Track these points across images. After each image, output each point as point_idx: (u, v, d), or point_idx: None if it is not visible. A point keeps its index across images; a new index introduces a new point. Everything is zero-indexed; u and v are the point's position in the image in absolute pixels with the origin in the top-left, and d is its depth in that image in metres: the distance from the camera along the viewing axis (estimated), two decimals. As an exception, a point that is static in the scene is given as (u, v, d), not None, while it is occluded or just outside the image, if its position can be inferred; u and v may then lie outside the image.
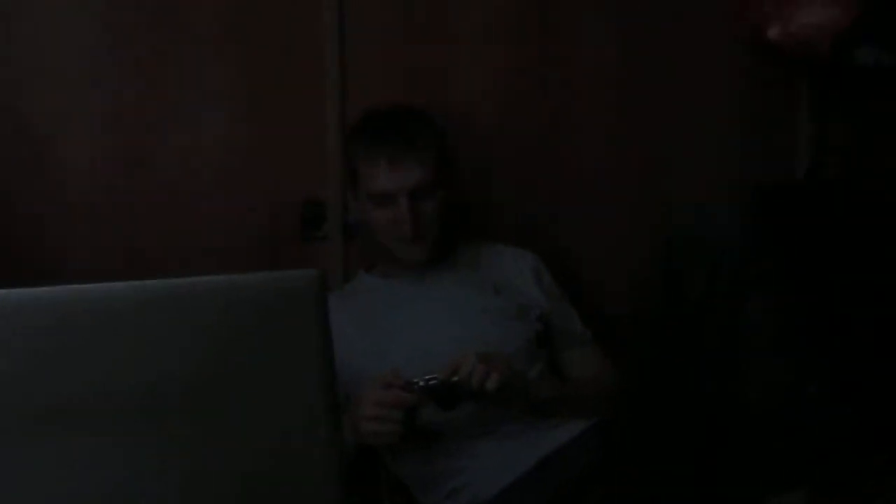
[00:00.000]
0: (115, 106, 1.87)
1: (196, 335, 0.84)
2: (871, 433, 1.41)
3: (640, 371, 1.55)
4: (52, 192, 1.85)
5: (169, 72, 1.88)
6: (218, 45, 1.89)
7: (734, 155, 2.12)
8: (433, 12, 1.97)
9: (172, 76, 1.88)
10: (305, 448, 0.86)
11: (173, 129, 1.89)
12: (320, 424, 0.86)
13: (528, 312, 1.76)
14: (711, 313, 1.40)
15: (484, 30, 2.00)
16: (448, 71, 1.99)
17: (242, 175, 1.92)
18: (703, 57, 2.09)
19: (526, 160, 2.04)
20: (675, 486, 1.44)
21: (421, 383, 1.47)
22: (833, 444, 1.37)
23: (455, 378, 1.48)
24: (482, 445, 1.60)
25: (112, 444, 0.81)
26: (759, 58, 2.08)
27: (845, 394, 1.39)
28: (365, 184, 1.72)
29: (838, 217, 1.95)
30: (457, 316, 1.70)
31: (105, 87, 1.86)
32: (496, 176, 2.03)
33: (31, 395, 0.80)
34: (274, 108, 1.92)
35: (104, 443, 0.81)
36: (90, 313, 0.82)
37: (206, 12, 1.88)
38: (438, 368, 1.49)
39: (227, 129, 1.91)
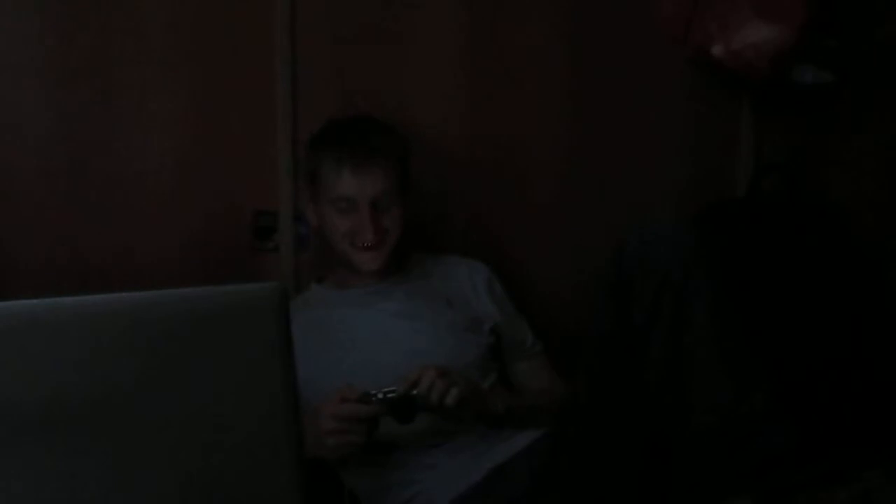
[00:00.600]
0: (61, 114, 1.85)
1: (157, 348, 0.84)
2: (812, 446, 1.46)
3: (588, 384, 1.57)
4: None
5: (118, 79, 1.86)
6: (169, 54, 1.88)
7: (679, 171, 2.16)
8: (385, 28, 1.98)
9: (122, 84, 1.86)
10: (268, 460, 0.86)
11: (121, 138, 1.87)
12: (282, 437, 0.87)
13: (480, 325, 1.78)
14: (657, 329, 1.43)
15: (436, 45, 2.01)
16: (401, 86, 2.00)
17: (193, 184, 1.91)
18: (650, 73, 2.13)
19: (479, 175, 2.07)
20: (622, 497, 1.48)
21: (379, 395, 1.48)
22: (775, 456, 1.41)
23: (414, 392, 1.49)
24: (434, 457, 1.61)
25: (67, 456, 0.81)
26: (703, 75, 2.13)
27: (788, 408, 1.43)
28: (326, 189, 1.73)
29: (779, 233, 2.01)
30: (410, 328, 1.71)
31: (52, 93, 1.84)
32: (450, 189, 2.05)
33: None
34: (225, 118, 1.91)
35: (61, 455, 0.80)
36: (58, 326, 0.82)
37: (158, 22, 1.87)
38: (394, 381, 1.50)
39: (177, 138, 1.90)
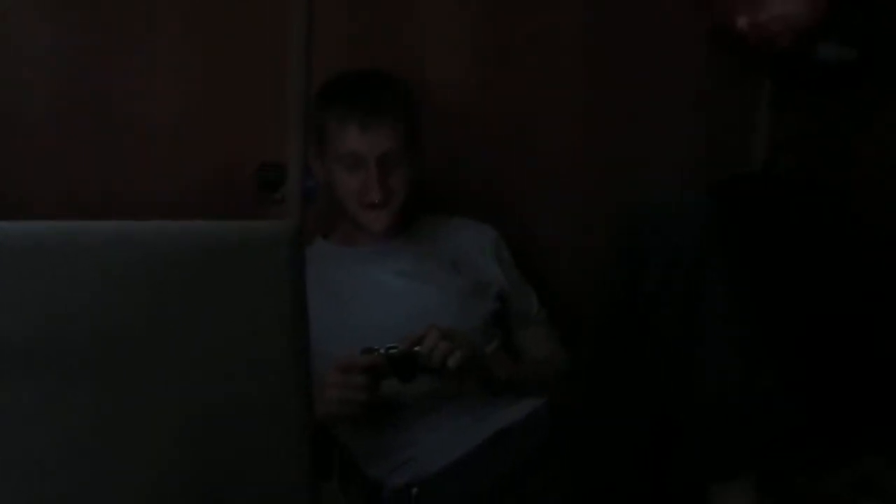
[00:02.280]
0: (70, 59, 1.82)
1: (167, 279, 0.81)
2: (820, 425, 1.44)
3: (593, 354, 1.55)
4: (7, 142, 1.80)
5: (128, 27, 1.83)
6: (181, 4, 1.85)
7: (694, 144, 2.13)
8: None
9: (132, 31, 1.83)
10: (274, 400, 0.83)
11: (129, 85, 1.84)
12: (291, 377, 0.84)
13: (486, 289, 1.76)
14: (667, 303, 1.40)
15: (451, 5, 1.98)
16: (414, 46, 1.97)
17: (199, 134, 1.88)
18: (668, 44, 2.09)
19: (491, 139, 2.04)
20: (622, 471, 1.46)
21: (381, 351, 1.46)
22: (781, 435, 1.39)
23: (417, 349, 1.47)
24: (432, 420, 1.59)
25: (65, 390, 0.78)
26: (723, 47, 2.09)
27: (796, 388, 1.41)
28: (334, 145, 1.70)
29: (794, 211, 1.98)
30: (415, 289, 1.69)
31: (61, 39, 1.81)
32: (460, 151, 2.01)
33: None
34: (234, 66, 1.88)
35: (66, 386, 0.77)
36: (63, 250, 0.78)
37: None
38: (398, 340, 1.48)
39: (183, 87, 1.87)
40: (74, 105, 1.83)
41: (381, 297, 1.69)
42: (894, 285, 1.96)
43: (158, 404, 0.80)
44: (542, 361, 1.75)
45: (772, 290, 1.71)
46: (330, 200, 1.80)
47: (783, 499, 1.48)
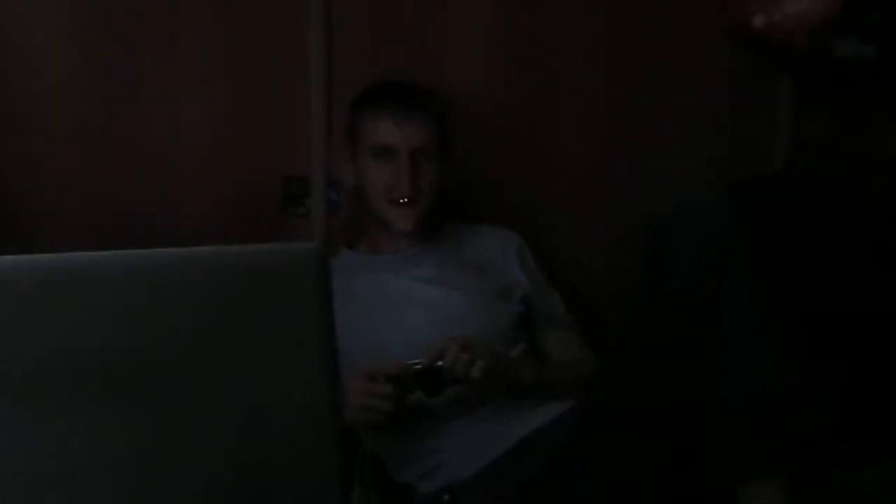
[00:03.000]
0: (94, 77, 1.84)
1: (195, 305, 0.82)
2: (850, 424, 1.43)
3: (619, 356, 1.55)
4: (31, 166, 1.82)
5: (151, 42, 1.85)
6: (202, 16, 1.87)
7: (715, 144, 2.13)
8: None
9: (155, 47, 1.86)
10: (305, 421, 0.85)
11: (154, 99, 1.87)
12: (321, 398, 0.85)
13: (510, 294, 1.76)
14: (692, 303, 1.40)
15: (471, 10, 1.99)
16: (433, 48, 1.98)
17: (224, 149, 1.91)
18: (688, 44, 2.09)
19: (512, 144, 2.05)
20: (650, 473, 1.46)
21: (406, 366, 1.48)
22: (809, 434, 1.39)
23: (440, 363, 1.48)
24: (460, 425, 1.60)
25: (113, 411, 0.79)
26: (742, 47, 2.09)
27: (824, 388, 1.40)
28: (367, 138, 1.74)
29: (817, 210, 1.97)
30: (441, 296, 1.70)
31: (86, 56, 1.84)
32: (482, 159, 2.03)
33: (21, 363, 0.77)
34: (258, 81, 1.90)
35: (105, 410, 0.79)
36: (82, 280, 0.80)
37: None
38: (420, 353, 1.50)
39: (209, 102, 1.89)
40: (97, 126, 1.85)
41: (406, 303, 1.70)
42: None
43: (194, 424, 0.82)
44: (568, 364, 1.76)
45: (796, 289, 1.70)
46: (354, 211, 1.82)
47: (814, 498, 1.47)
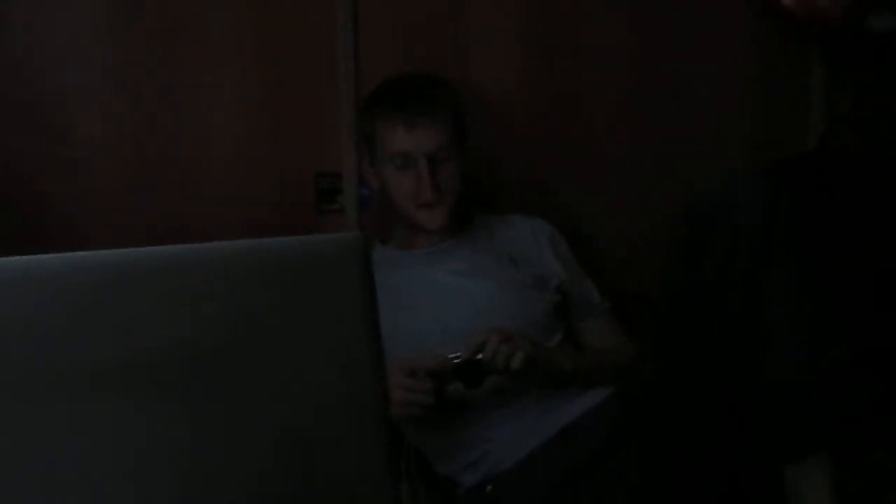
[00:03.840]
0: (127, 81, 1.85)
1: (238, 299, 0.82)
2: (891, 403, 1.42)
3: (660, 341, 1.54)
4: (64, 169, 1.84)
5: (183, 45, 1.86)
6: (232, 16, 1.87)
7: (747, 125, 2.11)
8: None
9: (186, 50, 1.86)
10: (352, 410, 0.84)
11: (187, 99, 1.87)
12: (368, 388, 0.84)
13: (546, 283, 1.76)
14: (731, 284, 1.39)
15: (500, 8, 1.99)
16: (461, 44, 1.98)
17: (257, 146, 1.91)
18: (715, 26, 2.08)
19: (542, 133, 2.04)
20: (695, 456, 1.45)
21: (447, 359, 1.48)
22: (854, 413, 1.37)
23: (479, 356, 1.49)
24: (502, 416, 1.60)
25: (151, 410, 0.79)
26: (771, 26, 2.07)
27: (867, 365, 1.39)
28: (383, 146, 1.73)
29: (852, 187, 1.95)
30: (475, 287, 1.70)
31: (118, 61, 1.84)
32: (513, 148, 2.02)
33: (69, 360, 0.77)
34: (289, 78, 1.91)
35: (142, 409, 0.79)
36: (127, 277, 0.79)
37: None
38: (461, 345, 1.50)
39: (241, 100, 1.90)
40: (129, 128, 1.86)
41: (441, 296, 1.70)
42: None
43: (248, 419, 0.82)
44: (606, 352, 1.75)
45: (835, 267, 1.68)
46: (386, 206, 1.82)
47: (860, 475, 1.45)
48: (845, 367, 1.38)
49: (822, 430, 1.38)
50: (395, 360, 1.47)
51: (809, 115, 2.15)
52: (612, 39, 2.05)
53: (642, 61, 2.06)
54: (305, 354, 0.84)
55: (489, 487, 1.59)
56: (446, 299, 1.69)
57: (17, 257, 0.77)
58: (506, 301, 1.69)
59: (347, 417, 0.84)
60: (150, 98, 1.86)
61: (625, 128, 2.07)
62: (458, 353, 1.49)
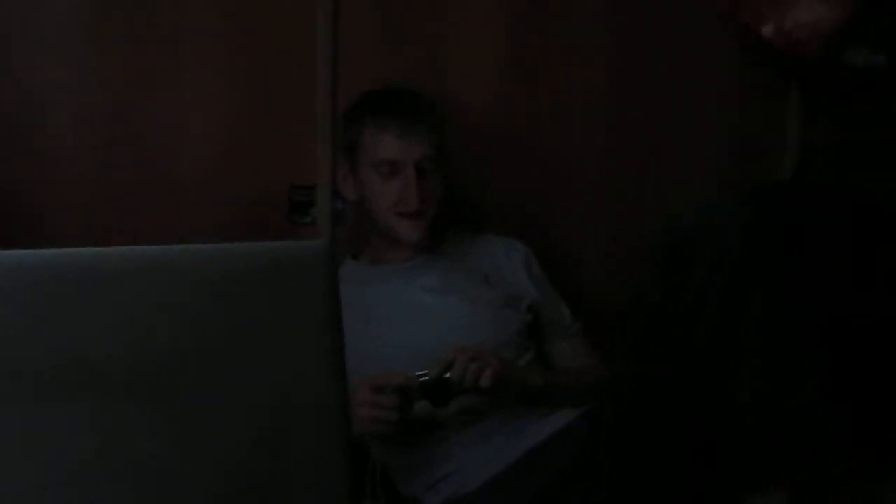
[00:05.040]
0: (99, 87, 1.83)
1: (197, 304, 0.81)
2: (863, 435, 1.41)
3: (630, 365, 1.53)
4: (34, 168, 1.81)
5: (156, 53, 1.85)
6: (208, 27, 1.86)
7: (723, 153, 2.12)
8: (428, 4, 1.96)
9: (160, 58, 1.85)
10: (313, 420, 0.83)
11: (160, 108, 1.86)
12: (329, 397, 0.84)
13: (518, 303, 1.75)
14: (707, 312, 1.38)
15: (477, 19, 1.98)
16: (440, 59, 1.98)
17: (230, 156, 1.89)
18: (695, 55, 2.09)
19: (518, 153, 2.03)
20: (660, 481, 1.44)
21: (413, 377, 1.47)
22: (820, 447, 1.37)
23: (447, 375, 1.48)
24: (467, 437, 1.59)
25: (108, 413, 0.78)
26: (750, 57, 2.08)
27: (840, 397, 1.38)
28: (371, 153, 1.72)
29: (829, 218, 1.96)
30: (447, 305, 1.69)
31: (91, 67, 1.83)
32: (488, 167, 2.02)
33: (23, 361, 0.76)
34: (265, 88, 1.90)
35: (99, 412, 0.77)
36: (89, 276, 0.79)
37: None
38: (429, 363, 1.49)
39: (215, 111, 1.88)
40: (102, 135, 1.84)
41: (412, 313, 1.69)
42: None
43: (203, 424, 0.81)
44: (577, 372, 1.74)
45: (812, 300, 1.68)
46: (359, 221, 1.81)
47: (821, 510, 1.45)
48: (814, 402, 1.37)
49: (788, 462, 1.38)
50: (365, 376, 1.46)
51: (786, 146, 2.16)
52: (591, 64, 2.05)
53: (622, 86, 2.06)
54: (264, 362, 0.82)
55: (452, 509, 1.57)
56: (418, 316, 1.68)
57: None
58: (478, 320, 1.68)
59: (306, 428, 0.83)
60: (124, 102, 1.84)
61: (602, 151, 2.07)
62: (426, 371, 1.49)
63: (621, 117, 2.07)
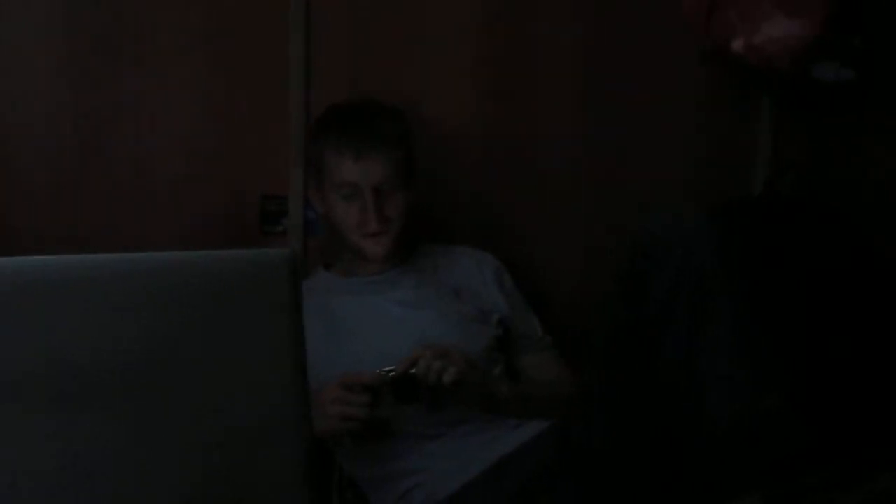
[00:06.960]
0: (71, 95, 1.83)
1: (159, 311, 0.82)
2: (828, 448, 1.42)
3: (598, 377, 1.54)
4: (4, 181, 1.81)
5: (127, 62, 1.85)
6: (179, 36, 1.86)
7: (694, 168, 2.13)
8: (400, 10, 1.96)
9: (131, 66, 1.85)
10: (274, 427, 0.84)
11: (131, 119, 1.86)
12: (290, 405, 0.85)
13: (488, 316, 1.76)
14: (672, 324, 1.39)
15: (447, 30, 1.99)
16: (411, 69, 1.98)
17: (202, 165, 1.90)
18: (665, 70, 2.10)
19: (490, 167, 2.04)
20: (629, 493, 1.44)
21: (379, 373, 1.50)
22: (788, 456, 1.37)
23: (412, 371, 1.49)
24: (437, 446, 1.60)
25: (71, 420, 0.78)
26: (721, 71, 2.10)
27: (805, 409, 1.39)
28: (331, 175, 1.72)
29: (797, 231, 1.97)
30: (416, 317, 1.70)
31: (61, 74, 1.83)
32: (458, 179, 2.02)
33: None
34: (237, 97, 1.90)
35: (62, 419, 0.78)
36: (55, 283, 0.79)
37: (169, 3, 1.85)
38: (397, 362, 1.51)
39: (186, 121, 1.89)
40: (72, 143, 1.84)
41: (382, 325, 1.69)
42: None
43: (164, 429, 0.81)
44: (546, 384, 1.75)
45: (777, 311, 1.70)
46: (332, 230, 1.81)
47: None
48: (782, 413, 1.38)
49: (755, 473, 1.38)
50: (333, 378, 1.47)
51: (756, 161, 2.18)
52: (563, 78, 2.06)
53: (593, 99, 2.07)
54: (224, 369, 0.83)
55: (421, 519, 1.56)
56: (388, 329, 1.68)
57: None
58: (447, 333, 1.68)
59: (266, 430, 0.83)
60: (93, 114, 1.84)
61: (572, 166, 2.08)
62: (393, 368, 1.51)
63: (590, 132, 2.07)
